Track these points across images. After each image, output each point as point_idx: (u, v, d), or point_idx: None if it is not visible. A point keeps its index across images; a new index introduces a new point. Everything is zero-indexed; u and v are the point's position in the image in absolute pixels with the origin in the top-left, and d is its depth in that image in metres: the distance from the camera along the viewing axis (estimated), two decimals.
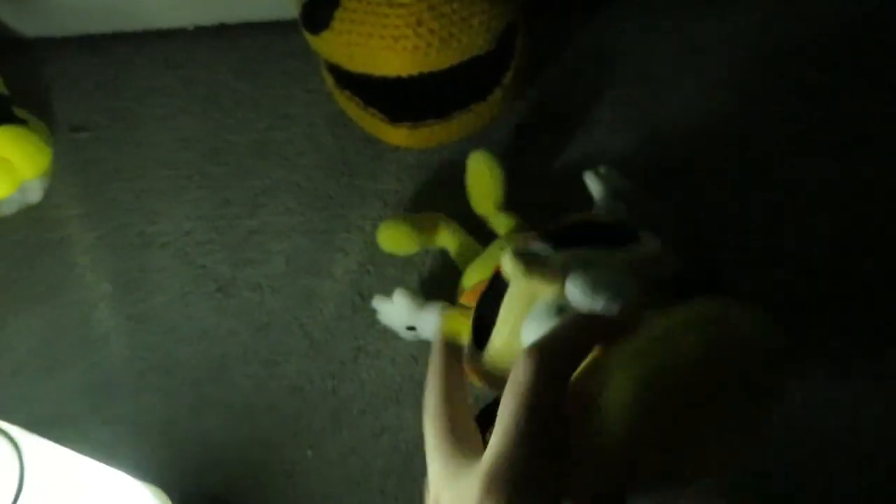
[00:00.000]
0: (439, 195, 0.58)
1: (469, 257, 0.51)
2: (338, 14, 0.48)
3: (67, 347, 0.53)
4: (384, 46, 0.48)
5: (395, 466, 0.50)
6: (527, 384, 0.25)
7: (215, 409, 0.51)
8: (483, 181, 0.53)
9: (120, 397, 0.51)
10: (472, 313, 0.38)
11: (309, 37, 0.52)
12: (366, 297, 0.54)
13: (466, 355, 0.36)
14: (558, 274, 0.32)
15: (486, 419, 0.31)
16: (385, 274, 0.55)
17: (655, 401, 0.26)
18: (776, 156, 0.58)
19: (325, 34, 0.49)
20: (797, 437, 0.50)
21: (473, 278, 0.47)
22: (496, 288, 0.36)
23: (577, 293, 0.30)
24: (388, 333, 0.53)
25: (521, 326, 0.33)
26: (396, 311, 0.49)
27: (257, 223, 0.57)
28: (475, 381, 0.37)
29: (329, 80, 0.57)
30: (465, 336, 0.38)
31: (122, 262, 0.55)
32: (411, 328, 0.49)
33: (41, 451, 0.32)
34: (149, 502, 0.42)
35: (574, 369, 0.27)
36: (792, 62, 0.61)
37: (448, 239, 0.53)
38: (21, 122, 0.43)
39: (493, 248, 0.49)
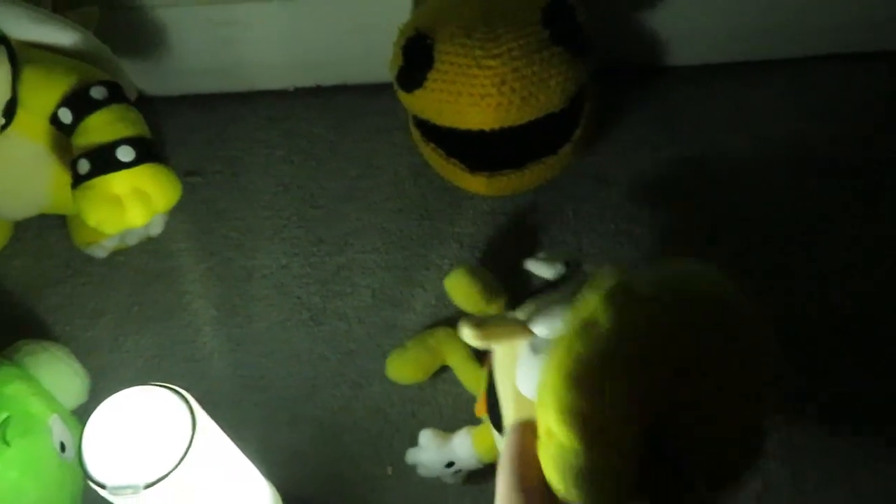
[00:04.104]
0: (509, 239, 0.63)
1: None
2: (431, 74, 0.55)
3: (176, 364, 0.59)
4: (471, 103, 0.54)
5: (468, 488, 0.54)
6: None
7: (307, 425, 0.56)
8: (462, 296, 0.55)
9: (221, 410, 0.56)
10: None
11: (402, 94, 0.59)
12: None
13: None
14: (516, 321, 0.37)
15: None
16: (459, 308, 0.60)
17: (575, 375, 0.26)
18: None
19: (418, 92, 0.56)
20: None
21: (482, 387, 0.47)
22: (491, 375, 0.40)
23: (541, 328, 0.35)
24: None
25: (516, 381, 0.37)
26: (428, 454, 0.51)
27: (346, 260, 0.63)
28: None
29: (415, 134, 0.63)
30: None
31: (226, 291, 0.62)
32: (450, 465, 0.50)
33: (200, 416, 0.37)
34: (267, 494, 0.47)
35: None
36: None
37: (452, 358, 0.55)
38: (161, 160, 0.50)
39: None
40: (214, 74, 0.71)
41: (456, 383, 0.56)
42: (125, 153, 0.48)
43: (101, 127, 0.48)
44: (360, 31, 0.68)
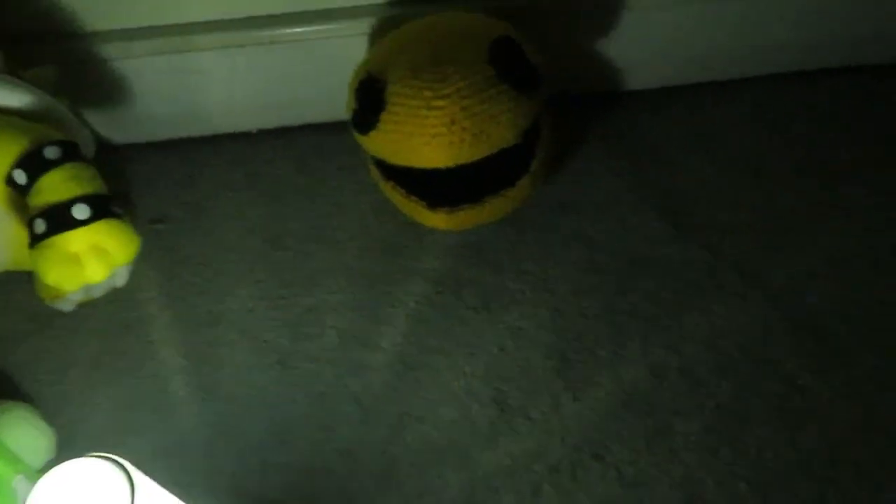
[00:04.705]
0: (471, 271, 0.64)
1: None
2: (383, 116, 0.56)
3: (146, 415, 0.59)
4: (423, 143, 0.55)
5: None
6: None
7: (277, 472, 0.56)
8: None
9: (192, 459, 0.57)
10: None
11: (357, 136, 0.59)
12: (410, 367, 0.59)
13: None
14: None
15: None
16: (426, 344, 0.60)
17: None
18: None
19: (372, 134, 0.57)
20: None
21: None
22: None
23: None
24: (431, 400, 0.57)
25: None
26: None
27: (313, 301, 0.63)
28: None
29: (375, 173, 0.64)
30: None
31: (193, 339, 0.62)
32: None
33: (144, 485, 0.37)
34: None
35: None
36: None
37: None
38: (117, 215, 0.51)
39: None
40: (178, 120, 0.72)
41: (423, 422, 0.57)
42: (81, 211, 0.49)
43: (55, 186, 0.49)
44: (321, 71, 0.69)
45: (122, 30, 0.64)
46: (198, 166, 0.71)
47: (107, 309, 0.63)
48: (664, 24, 0.68)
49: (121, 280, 0.60)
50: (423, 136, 0.54)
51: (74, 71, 0.64)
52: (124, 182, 0.71)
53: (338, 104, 0.63)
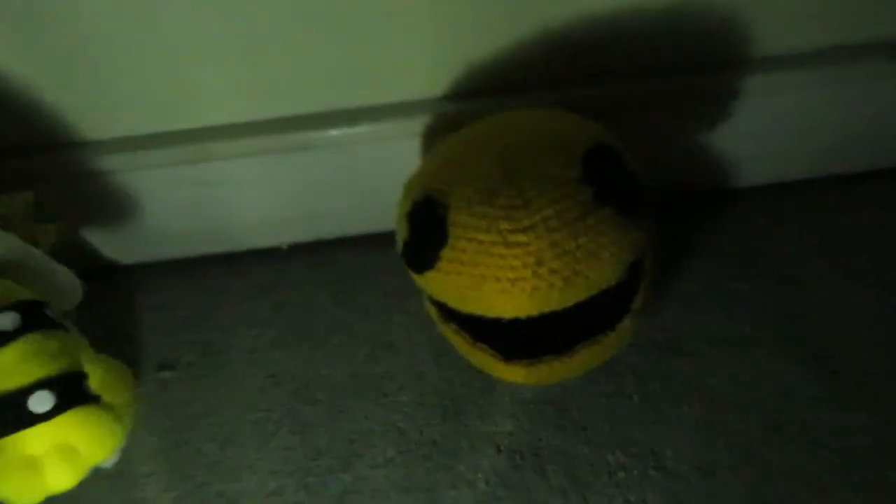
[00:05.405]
0: (557, 437, 0.49)
1: None
2: (444, 253, 0.42)
3: None
4: (499, 290, 0.41)
5: None
6: None
7: None
8: None
9: None
10: None
11: (413, 274, 0.46)
12: None
13: None
14: None
15: None
16: None
17: None
18: None
19: (431, 274, 0.44)
20: None
21: None
22: None
23: None
24: None
25: None
26: None
27: (352, 478, 0.49)
28: None
29: (432, 312, 0.50)
30: None
31: None
32: None
33: None
34: None
35: None
36: None
37: None
38: (90, 399, 0.38)
39: None
40: (194, 237, 0.60)
41: None
42: (41, 401, 0.36)
43: (8, 369, 0.36)
44: (363, 178, 0.56)
45: (124, 138, 0.53)
46: (216, 294, 0.59)
47: (96, 488, 0.50)
48: (787, 110, 0.54)
49: (110, 460, 0.47)
50: (500, 280, 0.41)
51: (77, 184, 0.53)
52: (130, 313, 0.59)
53: (384, 215, 0.50)
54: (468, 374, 0.52)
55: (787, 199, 0.60)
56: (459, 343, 0.49)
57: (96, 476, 0.49)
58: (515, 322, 0.43)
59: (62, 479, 0.37)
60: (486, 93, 0.52)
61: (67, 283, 0.46)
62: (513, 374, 0.48)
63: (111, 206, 0.56)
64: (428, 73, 0.51)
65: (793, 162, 0.59)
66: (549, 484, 0.47)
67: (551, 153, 0.43)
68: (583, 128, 0.45)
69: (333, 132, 0.53)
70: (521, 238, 0.40)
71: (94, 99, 0.50)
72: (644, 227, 0.43)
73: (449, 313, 0.47)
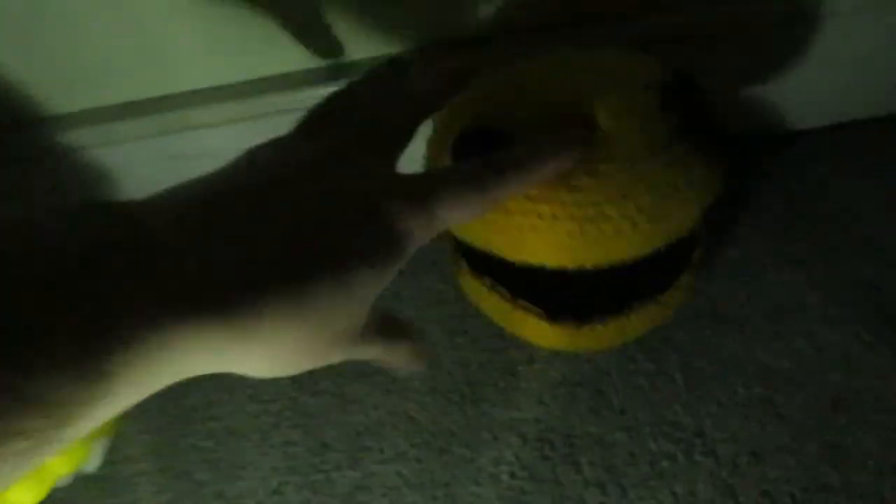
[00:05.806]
0: (590, 423, 0.43)
1: None
2: None
3: None
4: (570, 231, 0.34)
5: None
6: None
7: None
8: None
9: None
10: None
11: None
12: None
13: None
14: None
15: None
16: None
17: None
18: None
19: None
20: None
21: None
22: None
23: None
24: None
25: None
26: None
27: (360, 475, 0.44)
28: None
29: (460, 268, 0.43)
30: None
31: None
32: None
33: None
34: None
35: None
36: None
37: None
38: None
39: None
40: None
41: None
42: None
43: None
44: None
45: (92, 109, 0.47)
46: None
47: (87, 492, 0.46)
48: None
49: (92, 465, 0.43)
50: (575, 219, 0.34)
51: (37, 165, 0.49)
52: None
53: None
54: (487, 354, 0.47)
55: (850, 143, 0.52)
56: (491, 301, 0.42)
57: (83, 479, 0.45)
58: (563, 274, 0.36)
59: (25, 495, 0.33)
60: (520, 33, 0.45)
61: None
62: (556, 338, 0.41)
63: (84, 185, 0.51)
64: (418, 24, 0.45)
65: (856, 99, 0.51)
66: (582, 476, 0.42)
67: (622, 84, 0.36)
68: (648, 61, 0.38)
69: (320, 91, 0.46)
70: (604, 167, 0.33)
71: (54, 70, 0.45)
72: (723, 165, 0.36)
73: (484, 264, 0.41)
